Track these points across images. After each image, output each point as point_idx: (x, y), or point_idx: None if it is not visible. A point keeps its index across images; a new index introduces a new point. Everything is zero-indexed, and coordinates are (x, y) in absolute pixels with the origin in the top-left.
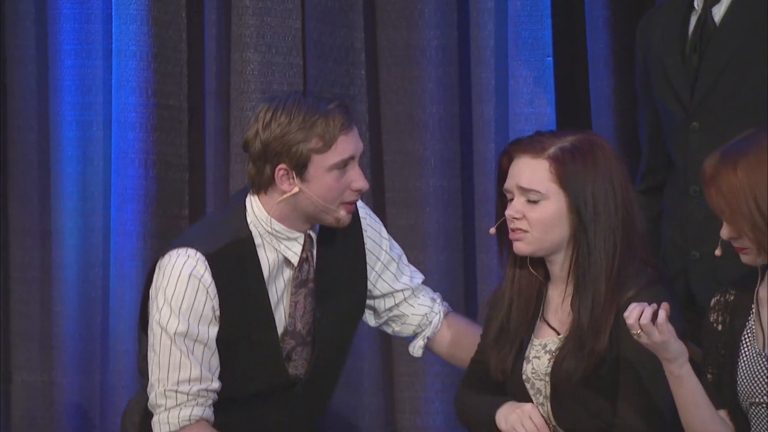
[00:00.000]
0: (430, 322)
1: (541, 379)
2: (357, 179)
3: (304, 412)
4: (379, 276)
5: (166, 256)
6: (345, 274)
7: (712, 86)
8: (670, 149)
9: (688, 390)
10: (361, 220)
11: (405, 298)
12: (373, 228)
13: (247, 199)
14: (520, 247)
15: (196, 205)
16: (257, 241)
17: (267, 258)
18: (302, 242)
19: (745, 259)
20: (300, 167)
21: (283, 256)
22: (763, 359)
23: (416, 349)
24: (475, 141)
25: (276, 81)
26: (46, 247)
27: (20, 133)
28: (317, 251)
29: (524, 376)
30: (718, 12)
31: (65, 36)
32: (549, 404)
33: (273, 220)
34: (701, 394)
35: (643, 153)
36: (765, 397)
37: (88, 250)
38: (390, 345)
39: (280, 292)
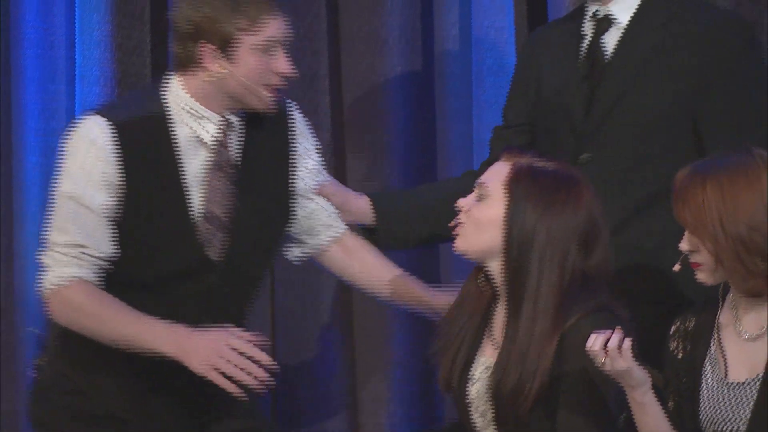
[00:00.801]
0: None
1: (485, 401)
2: (283, 64)
3: (220, 307)
4: (305, 181)
5: (76, 124)
6: (270, 168)
7: (606, 117)
8: None
9: (650, 417)
10: (295, 121)
11: (320, 207)
12: (304, 134)
13: (169, 78)
14: (456, 243)
15: None
16: (172, 117)
17: (180, 135)
18: (218, 124)
19: (700, 276)
20: (226, 47)
21: (197, 134)
22: (725, 386)
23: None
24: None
25: None
26: (9, 270)
27: None
28: (245, 139)
29: (468, 398)
30: (610, 41)
31: (28, 61)
32: (493, 428)
33: (190, 98)
34: (664, 421)
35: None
36: (728, 425)
37: None
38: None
39: (196, 172)
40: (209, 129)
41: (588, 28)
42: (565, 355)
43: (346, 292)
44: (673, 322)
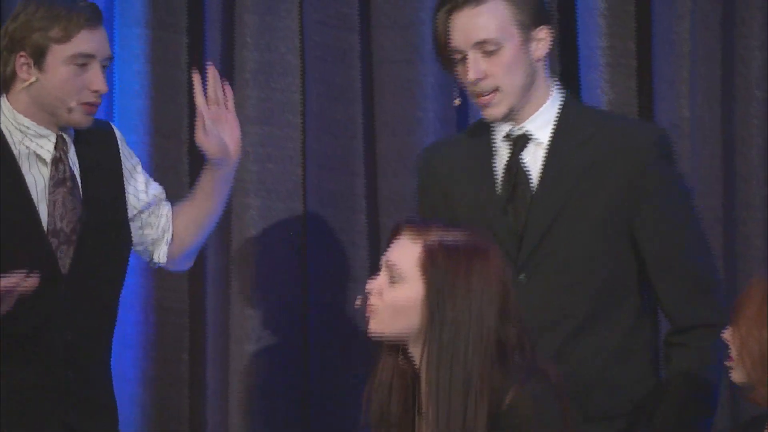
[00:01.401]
0: (168, 226)
1: None
2: (96, 80)
3: (78, 320)
4: (138, 191)
5: None
6: (106, 182)
7: (539, 244)
8: None
9: None
10: (117, 139)
11: (157, 204)
12: (129, 150)
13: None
14: (370, 326)
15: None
16: (8, 138)
17: (20, 153)
18: (54, 140)
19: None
20: (38, 55)
21: (36, 153)
22: None
23: (161, 256)
24: None
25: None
26: None
27: None
28: (78, 154)
29: None
30: (531, 161)
31: None
32: None
33: (19, 114)
34: None
35: None
36: None
37: None
38: None
39: (39, 190)
40: (46, 146)
41: (502, 148)
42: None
43: None
44: None
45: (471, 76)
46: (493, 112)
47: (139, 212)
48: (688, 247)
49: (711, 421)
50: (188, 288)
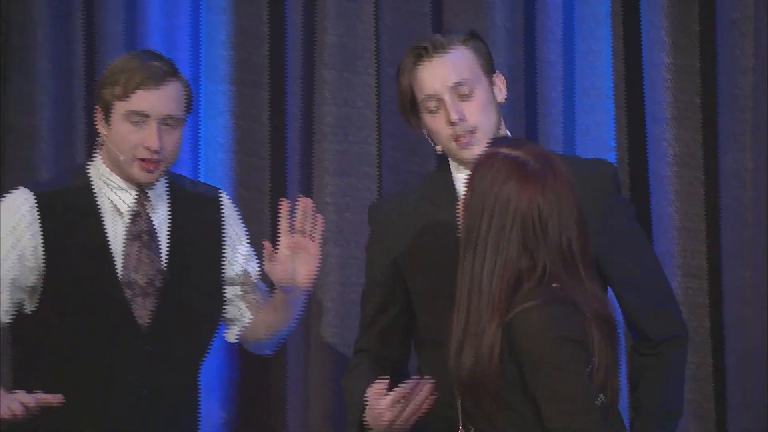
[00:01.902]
0: (248, 313)
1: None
2: (149, 138)
3: (156, 377)
4: (236, 263)
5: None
6: (201, 243)
7: None
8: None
9: None
10: (223, 206)
11: (247, 285)
12: (235, 220)
13: (95, 152)
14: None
15: None
16: (95, 189)
17: (103, 205)
18: (135, 195)
19: None
20: (106, 111)
21: (116, 205)
22: None
23: (232, 335)
24: None
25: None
26: None
27: None
28: (172, 212)
29: None
30: None
31: None
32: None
33: (104, 167)
34: None
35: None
36: None
37: None
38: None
39: (118, 242)
40: (126, 200)
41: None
42: (516, 344)
43: None
44: None
45: (453, 116)
46: (474, 151)
47: (231, 284)
48: (651, 265)
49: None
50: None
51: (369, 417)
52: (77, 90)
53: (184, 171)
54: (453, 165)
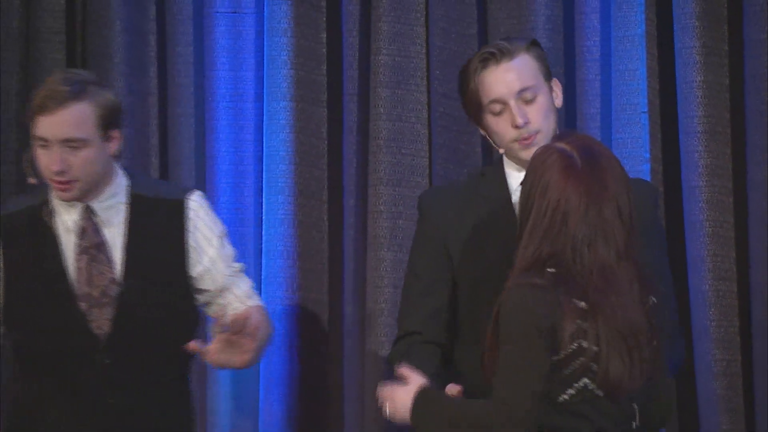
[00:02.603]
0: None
1: None
2: (52, 161)
3: (123, 384)
4: (200, 264)
5: None
6: (157, 247)
7: None
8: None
9: None
10: (188, 210)
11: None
12: (204, 222)
13: None
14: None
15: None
16: (53, 208)
17: (59, 224)
18: (80, 211)
19: None
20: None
21: (65, 221)
22: None
23: None
24: None
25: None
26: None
27: None
28: (130, 221)
29: None
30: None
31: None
32: None
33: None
34: None
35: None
36: None
37: None
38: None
39: (70, 257)
40: (72, 216)
41: (518, 191)
42: (501, 318)
43: None
44: None
45: (519, 120)
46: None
47: (200, 287)
48: (668, 291)
49: None
50: (329, 336)
51: None
52: (151, 108)
53: (250, 181)
54: (508, 164)
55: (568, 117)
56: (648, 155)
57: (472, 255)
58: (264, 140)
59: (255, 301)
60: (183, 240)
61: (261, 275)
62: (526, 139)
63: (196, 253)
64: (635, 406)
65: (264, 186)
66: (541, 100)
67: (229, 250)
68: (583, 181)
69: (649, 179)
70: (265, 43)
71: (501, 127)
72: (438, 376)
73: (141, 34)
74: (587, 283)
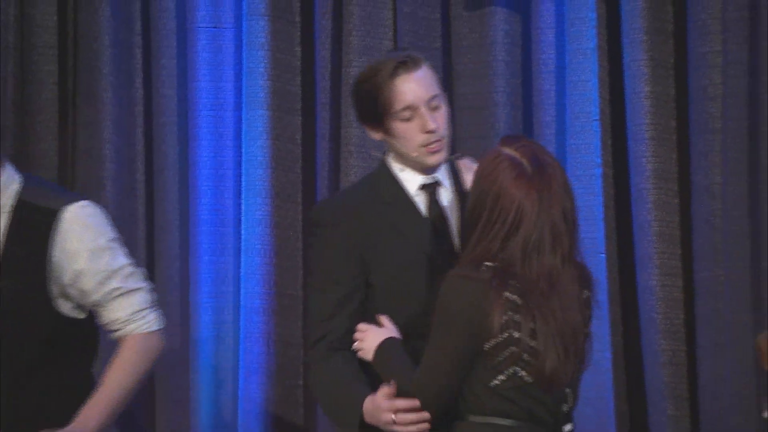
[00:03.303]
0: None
1: None
2: None
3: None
4: (70, 284)
5: None
6: (26, 256)
7: None
8: None
9: None
10: (59, 221)
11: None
12: (71, 233)
13: None
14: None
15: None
16: None
17: None
18: None
19: None
20: None
21: None
22: None
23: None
24: None
25: None
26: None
27: (166, 317)
28: (10, 228)
29: None
30: (447, 203)
31: (203, 237)
32: None
33: None
34: None
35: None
36: None
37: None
38: None
39: None
40: None
41: (418, 195)
42: (437, 306)
43: None
44: None
45: (432, 125)
46: (440, 158)
47: (67, 299)
48: None
49: None
50: (302, 329)
51: (368, 413)
52: (137, 117)
53: (230, 185)
54: (396, 167)
55: (525, 124)
56: (599, 160)
57: (387, 259)
58: (243, 147)
59: (139, 327)
60: (46, 251)
61: (240, 272)
62: (433, 144)
63: (58, 267)
64: (568, 391)
65: (243, 189)
66: (444, 108)
67: (106, 265)
68: (534, 188)
69: (600, 182)
70: (243, 56)
71: (411, 133)
72: (359, 380)
73: (128, 48)
74: (532, 288)
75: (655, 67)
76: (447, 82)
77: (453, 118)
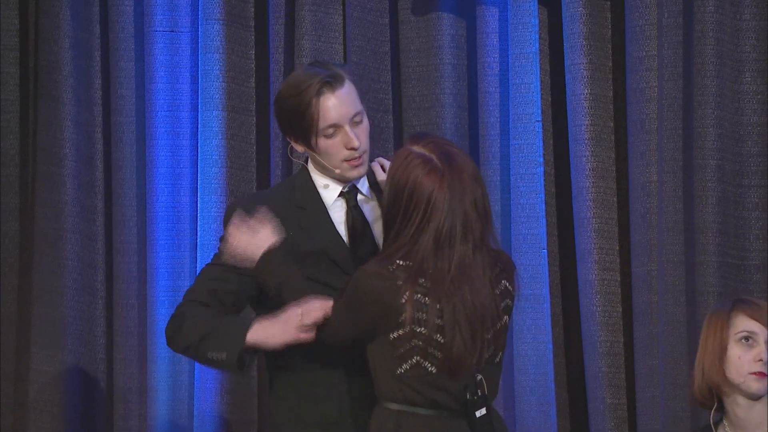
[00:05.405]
0: None
1: None
2: None
3: None
4: None
5: None
6: None
7: None
8: None
9: None
10: None
11: None
12: None
13: None
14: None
15: None
16: None
17: None
18: None
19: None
20: None
21: None
22: None
23: None
24: None
25: None
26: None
27: (124, 310)
28: None
29: None
30: (367, 210)
31: (160, 233)
32: None
33: None
34: None
35: None
36: None
37: None
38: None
39: None
40: None
41: (337, 202)
42: (347, 289)
43: None
44: None
45: (356, 143)
46: (361, 171)
47: None
48: None
49: None
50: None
51: (258, 329)
52: (96, 117)
53: (186, 183)
54: (316, 174)
55: (471, 125)
56: (541, 159)
57: (294, 262)
58: (198, 146)
59: None
60: None
61: (196, 268)
62: (356, 159)
63: None
64: (480, 377)
65: (199, 187)
66: (365, 122)
67: None
68: (445, 181)
69: (542, 180)
70: (199, 58)
71: (334, 149)
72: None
73: (87, 50)
74: (443, 277)
75: (594, 71)
76: (396, 83)
77: (401, 119)
